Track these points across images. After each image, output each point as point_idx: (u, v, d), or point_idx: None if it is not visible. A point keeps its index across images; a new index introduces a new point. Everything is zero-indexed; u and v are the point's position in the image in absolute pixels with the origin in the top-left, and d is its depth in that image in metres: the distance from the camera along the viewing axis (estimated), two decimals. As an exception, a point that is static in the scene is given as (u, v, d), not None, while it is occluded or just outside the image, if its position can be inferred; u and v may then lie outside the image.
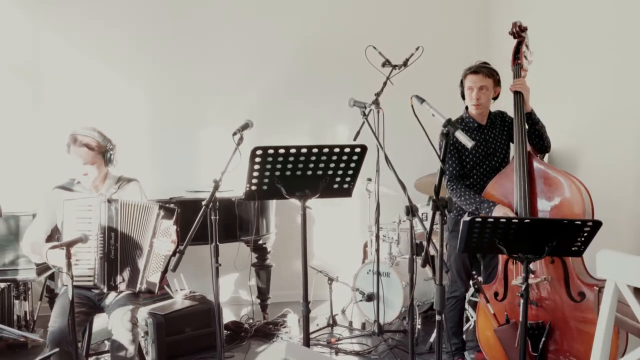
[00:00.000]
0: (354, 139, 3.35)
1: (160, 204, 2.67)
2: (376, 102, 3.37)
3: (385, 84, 3.57)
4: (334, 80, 4.68)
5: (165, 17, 4.52)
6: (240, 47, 4.62)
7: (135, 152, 4.23)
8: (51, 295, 4.17)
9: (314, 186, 2.43)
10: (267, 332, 3.83)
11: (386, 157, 2.50)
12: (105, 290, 2.67)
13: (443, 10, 4.83)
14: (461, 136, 2.02)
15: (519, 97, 2.81)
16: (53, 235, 2.80)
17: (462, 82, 3.01)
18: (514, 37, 2.91)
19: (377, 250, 3.65)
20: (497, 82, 2.97)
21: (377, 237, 3.64)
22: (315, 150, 2.31)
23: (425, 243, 4.03)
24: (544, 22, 3.80)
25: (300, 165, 2.36)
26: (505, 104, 3.07)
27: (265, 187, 2.42)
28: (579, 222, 2.09)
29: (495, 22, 4.70)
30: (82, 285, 2.59)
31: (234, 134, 2.49)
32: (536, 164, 2.73)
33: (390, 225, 4.09)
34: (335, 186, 2.49)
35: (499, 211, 2.75)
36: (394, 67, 3.66)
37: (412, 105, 2.07)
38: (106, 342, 3.51)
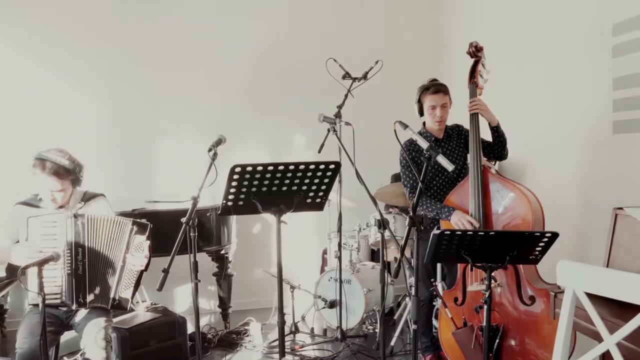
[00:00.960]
0: (319, 151, 3.46)
1: (134, 219, 2.65)
2: (339, 115, 3.48)
3: (346, 96, 3.70)
4: (293, 91, 4.74)
5: (119, 25, 4.40)
6: (197, 58, 4.58)
7: (90, 162, 4.11)
8: (0, 311, 4.00)
9: (289, 201, 2.50)
10: (230, 342, 3.84)
11: (357, 173, 2.60)
12: (74, 308, 2.63)
13: (400, 25, 5.00)
14: (443, 160, 2.16)
15: (476, 116, 2.98)
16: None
17: (419, 100, 3.15)
18: (471, 57, 3.05)
19: (340, 258, 3.75)
20: (449, 96, 3.17)
21: (340, 245, 3.74)
22: (292, 167, 2.38)
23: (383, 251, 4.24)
24: (494, 39, 4.04)
25: (277, 182, 2.42)
26: (458, 116, 3.26)
27: (241, 203, 2.47)
28: (538, 234, 2.28)
29: (447, 37, 4.94)
30: (49, 304, 2.54)
31: (209, 150, 2.52)
32: (490, 178, 2.91)
33: (350, 232, 4.19)
34: (309, 201, 2.57)
35: (456, 216, 2.92)
36: (354, 79, 3.80)
37: (395, 130, 2.19)
38: (65, 358, 3.42)
